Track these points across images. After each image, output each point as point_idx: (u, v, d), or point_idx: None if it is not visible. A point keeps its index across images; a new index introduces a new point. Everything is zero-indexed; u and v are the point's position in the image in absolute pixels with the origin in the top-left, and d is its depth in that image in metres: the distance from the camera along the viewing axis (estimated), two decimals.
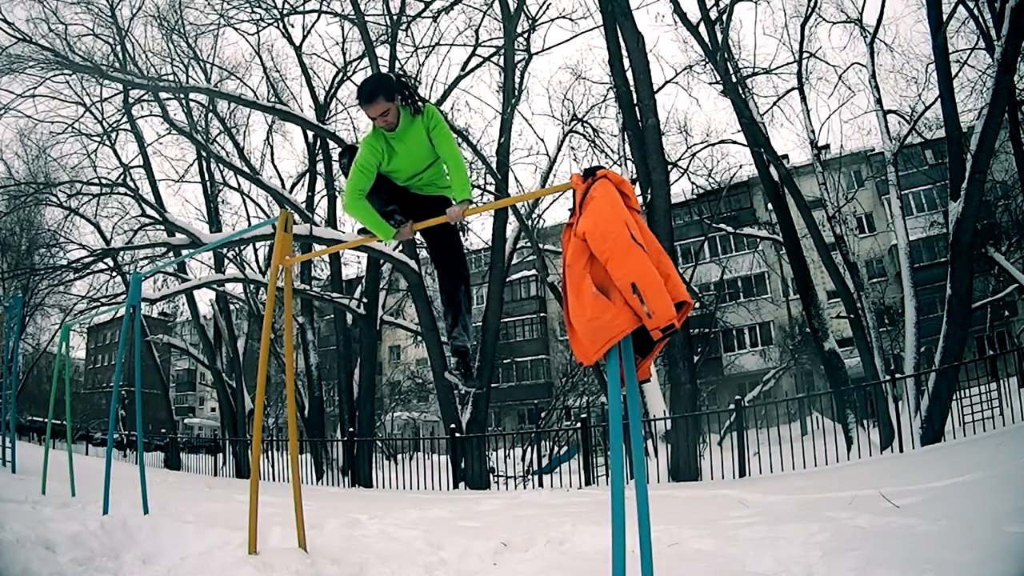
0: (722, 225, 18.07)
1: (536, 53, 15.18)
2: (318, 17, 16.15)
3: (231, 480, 13.86)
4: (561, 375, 23.40)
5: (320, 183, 17.28)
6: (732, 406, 9.88)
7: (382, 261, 14.38)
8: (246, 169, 17.01)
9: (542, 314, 29.71)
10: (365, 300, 14.78)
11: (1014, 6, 9.07)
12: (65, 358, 7.90)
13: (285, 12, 15.43)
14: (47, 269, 17.72)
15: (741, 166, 16.85)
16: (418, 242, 15.13)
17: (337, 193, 16.92)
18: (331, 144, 15.97)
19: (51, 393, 8.80)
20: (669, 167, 12.36)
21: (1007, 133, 11.78)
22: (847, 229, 14.81)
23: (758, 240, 20.47)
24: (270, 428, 23.38)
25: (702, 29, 12.24)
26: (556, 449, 13.96)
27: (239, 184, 18.34)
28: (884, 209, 20.86)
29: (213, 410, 35.01)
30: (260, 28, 16.02)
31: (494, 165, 13.71)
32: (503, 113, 13.80)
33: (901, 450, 8.73)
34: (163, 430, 21.36)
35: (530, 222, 14.97)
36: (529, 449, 13.69)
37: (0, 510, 4.29)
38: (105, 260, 17.17)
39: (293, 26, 23.53)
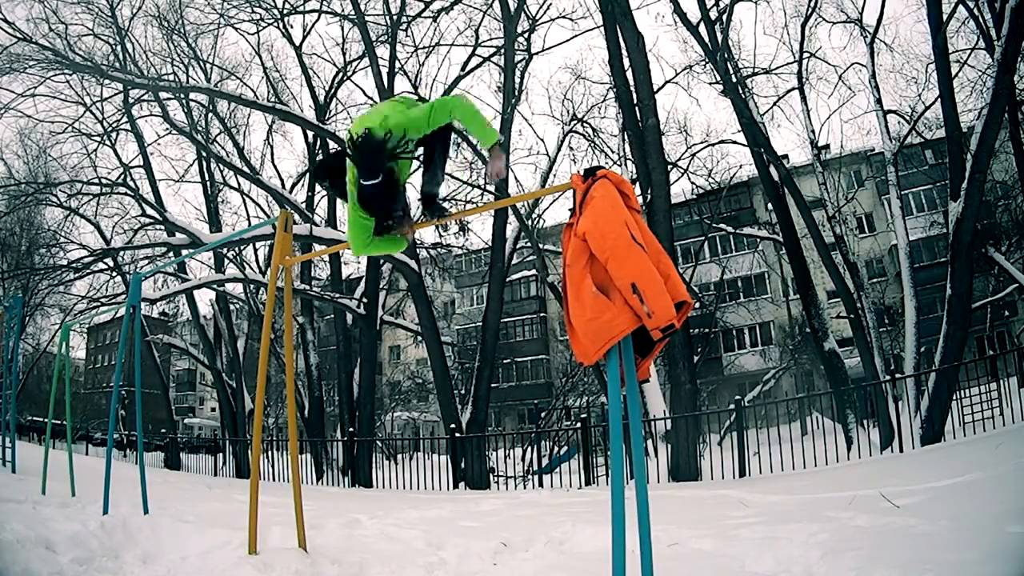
0: (722, 225, 18.06)
1: (536, 53, 15.20)
2: (318, 17, 16.17)
3: (231, 480, 13.85)
4: (561, 375, 23.40)
5: None
6: (732, 406, 9.87)
7: (382, 261, 14.38)
8: (246, 169, 17.02)
9: (542, 314, 29.69)
10: (365, 300, 14.79)
11: (1014, 6, 9.07)
12: (65, 358, 7.90)
13: (285, 12, 15.44)
14: (47, 269, 17.72)
15: (741, 166, 16.86)
16: (418, 243, 15.13)
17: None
18: (331, 144, 15.96)
19: (51, 393, 8.81)
20: (669, 167, 12.35)
21: (1007, 133, 11.78)
22: (847, 229, 14.83)
23: (758, 240, 20.48)
24: (270, 428, 23.38)
25: (702, 29, 12.24)
26: (556, 449, 13.95)
27: (239, 184, 18.35)
28: (884, 209, 20.85)
29: (213, 410, 35.01)
30: (260, 28, 16.05)
31: None
32: (503, 113, 13.80)
33: (901, 450, 8.73)
34: (163, 430, 21.36)
35: (530, 222, 14.97)
36: (529, 449, 13.69)
37: (0, 510, 4.29)
38: (105, 260, 17.18)
39: (293, 26, 23.55)
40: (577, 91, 24.79)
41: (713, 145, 16.36)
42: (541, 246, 15.34)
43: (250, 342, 20.70)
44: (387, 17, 14.38)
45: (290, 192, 17.47)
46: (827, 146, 19.38)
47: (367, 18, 14.29)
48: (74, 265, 16.89)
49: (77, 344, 29.40)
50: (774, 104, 14.60)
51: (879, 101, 13.29)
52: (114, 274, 17.84)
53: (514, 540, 3.98)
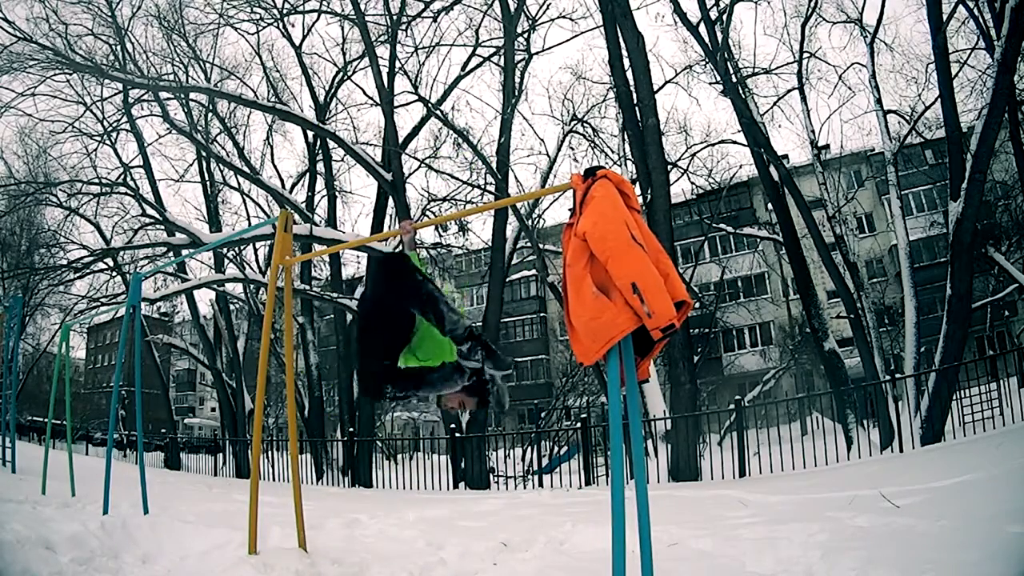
0: (722, 225, 18.06)
1: (536, 53, 15.18)
2: (318, 17, 16.16)
3: (231, 480, 13.85)
4: (561, 375, 23.37)
5: (320, 183, 17.27)
6: (732, 406, 9.88)
7: None
8: (246, 169, 17.01)
9: (542, 314, 29.67)
10: None
11: (1014, 6, 9.07)
12: (65, 358, 7.90)
13: (285, 12, 15.42)
14: (47, 269, 17.71)
15: (741, 166, 16.84)
16: (418, 243, 15.18)
17: (337, 193, 16.90)
18: (331, 144, 15.96)
19: (51, 393, 8.81)
20: (669, 167, 12.35)
21: (1007, 133, 11.78)
22: (847, 229, 14.82)
23: (758, 240, 20.45)
24: (270, 428, 23.36)
25: (702, 29, 12.23)
26: (556, 449, 13.95)
27: (239, 184, 18.33)
28: (884, 209, 20.83)
29: (213, 410, 34.97)
30: (260, 28, 16.03)
31: (494, 165, 13.71)
32: (503, 113, 13.79)
33: (901, 450, 8.72)
34: (163, 430, 21.36)
35: (530, 222, 14.96)
36: (529, 449, 13.69)
37: (0, 510, 4.29)
38: (105, 260, 17.16)
39: (293, 25, 23.51)
40: (577, 91, 24.74)
41: (713, 145, 16.36)
42: (541, 246, 15.32)
43: (250, 342, 20.67)
44: (387, 17, 14.37)
45: (290, 192, 17.46)
46: (827, 146, 19.34)
47: (367, 18, 14.29)
48: (74, 265, 16.87)
49: (77, 344, 29.40)
50: (774, 104, 14.60)
51: (879, 101, 13.29)
52: (114, 274, 17.83)
53: (514, 540, 3.99)
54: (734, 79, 12.61)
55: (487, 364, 2.60)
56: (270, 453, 13.97)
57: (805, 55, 13.92)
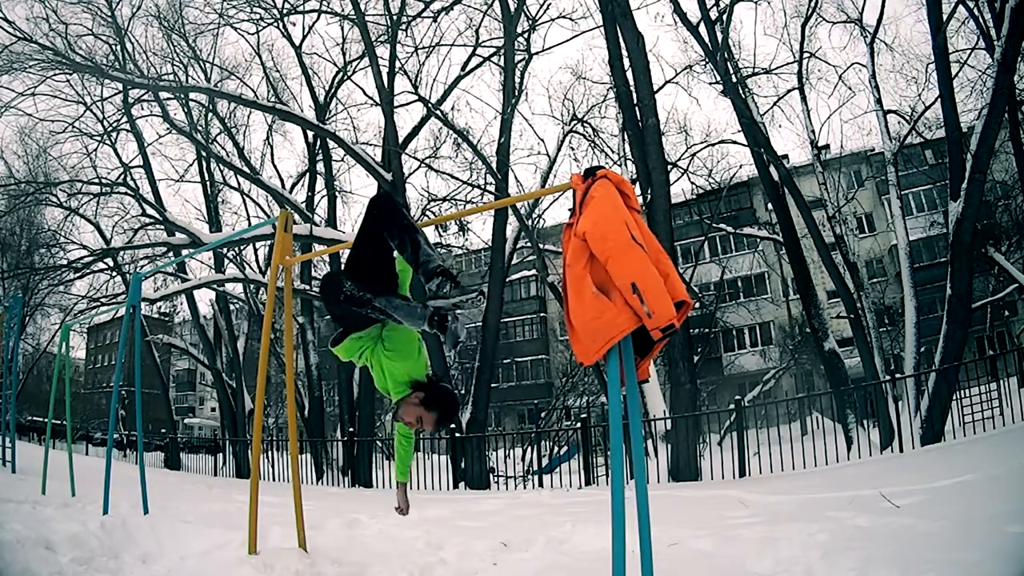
0: (722, 225, 18.06)
1: (536, 53, 15.19)
2: (318, 17, 16.16)
3: (231, 480, 13.86)
4: (561, 375, 23.38)
5: (320, 183, 17.28)
6: (732, 406, 9.88)
7: None
8: (246, 169, 17.01)
9: (542, 314, 29.68)
10: None
11: (1014, 6, 9.08)
12: (65, 358, 7.90)
13: (285, 12, 15.43)
14: (47, 269, 17.73)
15: (741, 166, 16.84)
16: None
17: (337, 193, 16.89)
18: (331, 144, 15.96)
19: (51, 393, 8.81)
20: (669, 167, 12.35)
21: (1007, 133, 11.78)
22: (847, 229, 14.83)
23: (758, 240, 20.47)
24: (270, 428, 23.37)
25: (702, 29, 12.23)
26: (556, 449, 13.96)
27: (239, 184, 18.34)
28: (884, 209, 20.82)
29: (213, 410, 34.98)
30: (260, 28, 16.04)
31: (494, 165, 13.71)
32: (503, 113, 13.80)
33: (901, 450, 8.73)
34: (163, 430, 21.37)
35: (530, 222, 14.96)
36: (529, 449, 13.69)
37: (0, 510, 4.29)
38: (105, 260, 17.18)
39: (294, 25, 23.52)
40: (577, 91, 24.76)
41: (713, 145, 16.36)
42: (541, 246, 15.32)
43: (250, 342, 20.66)
44: (387, 17, 14.37)
45: (290, 192, 17.47)
46: (827, 146, 19.32)
47: (367, 18, 14.29)
48: (74, 265, 16.89)
49: (77, 344, 29.41)
50: (774, 104, 14.61)
51: (879, 101, 13.30)
52: (114, 274, 17.85)
53: (514, 540, 3.98)
54: (734, 79, 12.61)
55: (454, 291, 2.60)
56: (270, 453, 13.98)
57: (805, 55, 13.94)
